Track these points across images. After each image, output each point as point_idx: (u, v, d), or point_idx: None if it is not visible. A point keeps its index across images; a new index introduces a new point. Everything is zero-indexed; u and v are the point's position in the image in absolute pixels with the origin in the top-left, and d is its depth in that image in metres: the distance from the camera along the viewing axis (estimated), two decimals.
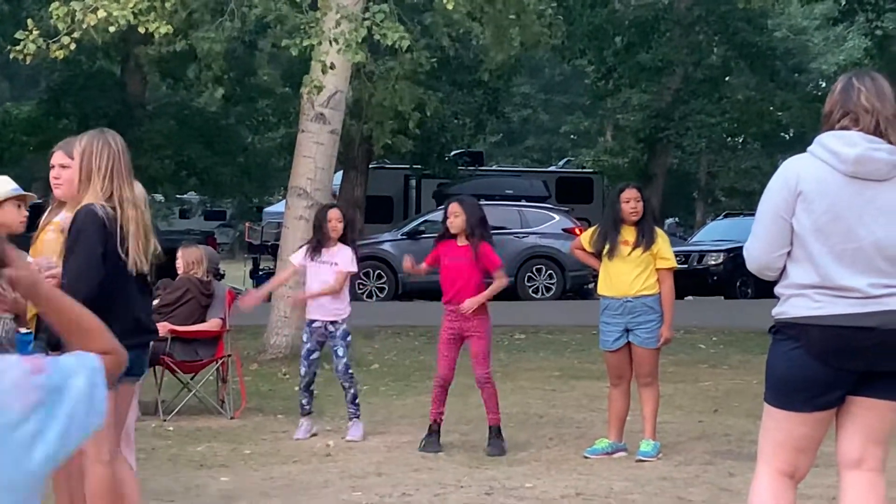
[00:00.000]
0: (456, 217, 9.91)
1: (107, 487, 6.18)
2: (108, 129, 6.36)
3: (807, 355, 5.09)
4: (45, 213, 6.95)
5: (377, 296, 26.92)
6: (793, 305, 5.14)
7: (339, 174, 27.52)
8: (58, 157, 6.70)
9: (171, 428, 11.07)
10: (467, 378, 10.55)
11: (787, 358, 5.16)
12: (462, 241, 9.93)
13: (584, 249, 9.95)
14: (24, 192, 7.12)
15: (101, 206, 6.02)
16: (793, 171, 5.17)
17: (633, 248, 9.55)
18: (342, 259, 10.51)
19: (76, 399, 2.51)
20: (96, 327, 2.78)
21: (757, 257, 5.23)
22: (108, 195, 6.07)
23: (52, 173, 6.71)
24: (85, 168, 6.11)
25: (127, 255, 6.06)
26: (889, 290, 5.04)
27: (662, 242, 9.62)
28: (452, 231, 9.94)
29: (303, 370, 10.70)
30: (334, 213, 10.68)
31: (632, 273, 9.54)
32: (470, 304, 9.78)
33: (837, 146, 5.08)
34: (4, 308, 6.23)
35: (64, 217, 6.68)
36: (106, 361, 2.63)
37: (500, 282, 10.01)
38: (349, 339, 10.70)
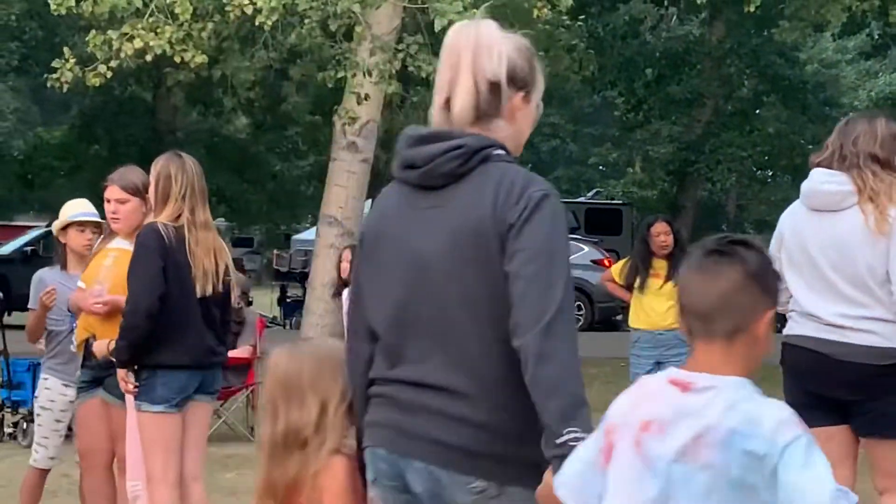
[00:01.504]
0: None
1: None
2: (183, 153, 6.37)
3: (786, 374, 5.46)
4: (99, 240, 6.95)
5: None
6: (786, 329, 5.50)
7: (369, 203, 27.54)
8: (114, 192, 6.66)
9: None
10: None
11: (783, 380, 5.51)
12: None
13: (614, 281, 9.94)
14: (88, 219, 7.17)
15: (163, 225, 6.04)
16: (784, 213, 5.63)
17: (665, 282, 9.54)
18: None
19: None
20: None
21: None
22: (177, 216, 6.08)
23: (109, 208, 6.68)
24: (162, 191, 6.12)
25: (193, 274, 6.06)
26: (855, 321, 5.18)
27: None
28: None
29: None
30: (346, 255, 10.78)
31: (664, 306, 9.52)
32: None
33: (805, 183, 5.48)
34: None
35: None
36: None
37: None
38: None
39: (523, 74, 3.47)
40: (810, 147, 37.15)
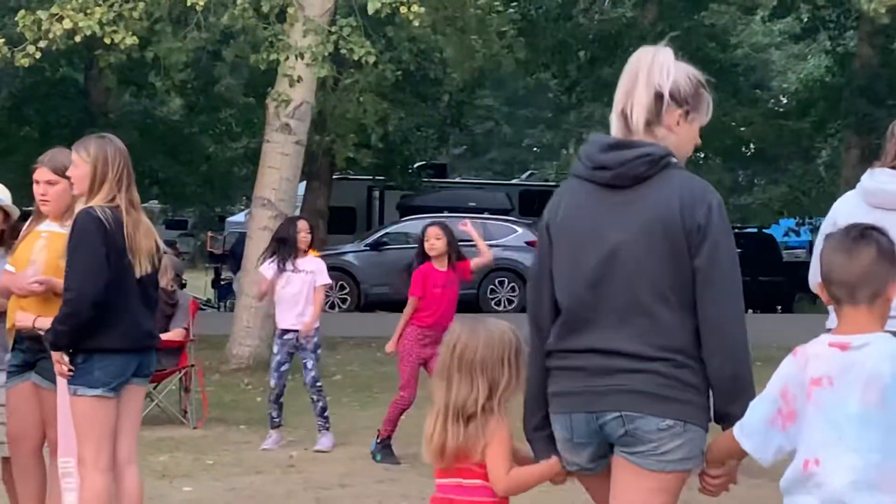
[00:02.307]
0: (438, 240, 10.01)
1: (99, 497, 6.13)
2: (109, 135, 6.35)
3: None
4: (27, 223, 6.89)
5: (339, 307, 26.89)
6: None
7: (303, 185, 27.52)
8: (44, 174, 6.63)
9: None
10: (422, 390, 10.56)
11: None
12: (442, 265, 10.01)
13: None
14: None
15: (101, 209, 6.02)
16: (840, 202, 6.01)
17: None
18: (319, 271, 10.66)
19: None
20: None
21: (810, 281, 5.83)
22: (112, 198, 6.07)
23: (38, 189, 6.63)
24: (100, 174, 6.10)
25: (132, 257, 6.05)
26: None
27: None
28: (433, 254, 10.02)
29: (273, 382, 10.75)
30: (303, 225, 10.78)
31: None
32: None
33: (866, 180, 5.91)
34: None
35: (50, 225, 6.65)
36: None
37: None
38: (319, 351, 10.77)
39: (685, 94, 4.19)
40: (741, 129, 37.56)
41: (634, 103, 4.09)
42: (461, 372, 4.37)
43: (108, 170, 6.09)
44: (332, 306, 26.44)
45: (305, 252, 10.68)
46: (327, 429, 10.65)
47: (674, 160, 4.07)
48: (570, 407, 4.10)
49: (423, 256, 10.14)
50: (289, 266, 10.59)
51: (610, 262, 4.02)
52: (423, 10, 14.80)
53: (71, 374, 6.07)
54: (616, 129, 4.15)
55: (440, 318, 9.87)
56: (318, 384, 10.69)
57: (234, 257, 18.72)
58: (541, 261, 4.23)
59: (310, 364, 10.61)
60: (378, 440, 10.10)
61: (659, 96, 4.10)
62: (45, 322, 6.24)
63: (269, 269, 10.76)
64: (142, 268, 6.10)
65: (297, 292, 10.58)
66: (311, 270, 10.67)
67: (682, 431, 3.97)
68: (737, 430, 3.85)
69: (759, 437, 3.78)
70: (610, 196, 4.07)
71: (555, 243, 4.17)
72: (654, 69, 4.13)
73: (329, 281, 10.97)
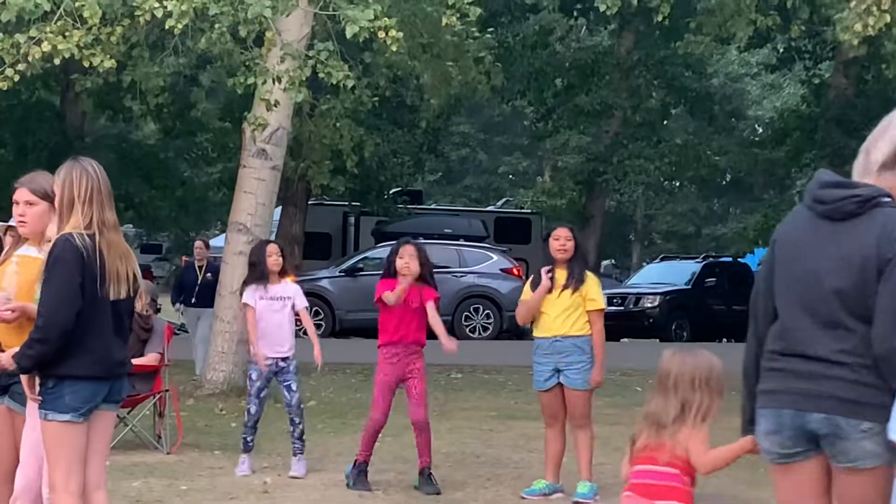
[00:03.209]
0: (412, 259, 9.87)
1: None
2: (85, 158, 6.31)
3: None
4: (7, 247, 6.88)
5: None
6: None
7: (278, 210, 27.50)
8: (23, 195, 6.64)
9: (107, 462, 10.98)
10: (401, 417, 10.54)
11: None
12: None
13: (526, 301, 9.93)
14: None
15: (80, 236, 6.01)
16: None
17: (563, 289, 9.60)
18: (297, 295, 10.66)
19: None
20: None
21: None
22: (88, 222, 6.05)
23: (17, 210, 6.64)
24: (67, 198, 6.09)
25: (105, 282, 6.03)
26: None
27: (592, 284, 9.66)
28: (403, 273, 9.86)
29: (253, 409, 10.68)
30: (273, 248, 10.75)
31: (561, 314, 9.59)
32: (452, 346, 9.86)
33: None
34: None
35: (27, 251, 6.64)
36: None
37: (433, 312, 9.99)
38: (299, 375, 10.75)
39: None
40: (717, 158, 37.72)
41: (876, 148, 4.84)
42: (659, 387, 5.47)
43: (73, 192, 6.07)
44: (306, 332, 26.38)
45: (279, 276, 10.65)
46: (302, 453, 10.62)
47: (885, 200, 4.74)
48: (779, 403, 4.80)
49: (391, 271, 9.98)
50: (266, 292, 10.58)
51: (816, 283, 4.75)
52: (401, 35, 14.83)
53: (40, 398, 6.06)
54: (857, 164, 4.91)
55: (405, 335, 9.84)
56: (302, 406, 10.70)
57: (178, 287, 18.19)
58: (765, 271, 5.04)
59: (294, 386, 10.60)
60: (354, 465, 10.06)
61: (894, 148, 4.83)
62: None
63: (249, 296, 10.71)
64: (116, 292, 6.08)
65: (276, 322, 10.59)
66: (288, 296, 10.66)
67: (879, 431, 4.57)
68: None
69: None
70: (825, 226, 4.82)
71: (777, 258, 4.97)
72: (891, 127, 4.84)
73: (307, 303, 10.96)
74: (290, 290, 10.71)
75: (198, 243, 18.66)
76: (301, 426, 10.63)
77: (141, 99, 17.06)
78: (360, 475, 9.97)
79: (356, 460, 10.04)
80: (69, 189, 6.08)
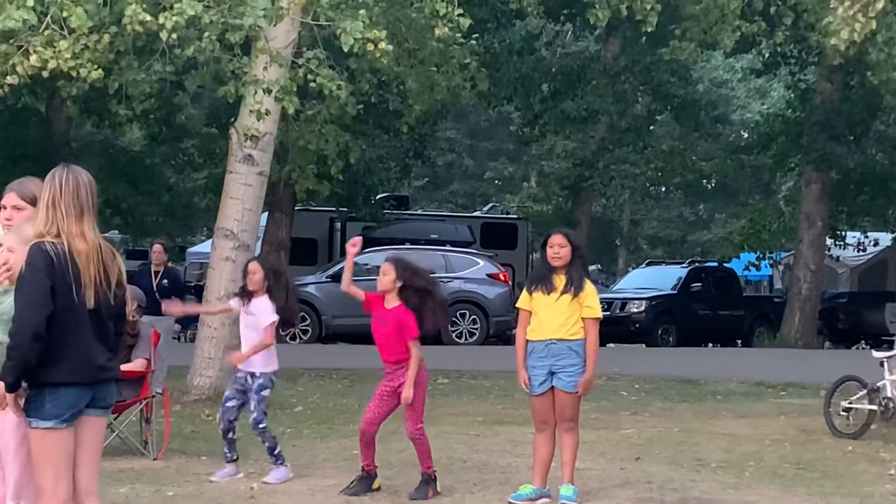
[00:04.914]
0: (384, 276, 9.89)
1: None
2: (69, 165, 6.31)
3: None
4: None
5: (301, 338, 26.89)
6: None
7: (265, 215, 27.51)
8: (11, 199, 6.71)
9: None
10: (390, 424, 10.55)
11: None
12: (391, 302, 9.90)
13: (524, 309, 9.94)
14: None
15: (51, 244, 6.03)
16: None
17: (561, 294, 9.62)
18: (260, 312, 10.57)
19: None
20: None
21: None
22: (56, 232, 6.07)
23: (4, 214, 6.71)
24: (40, 203, 6.15)
25: (81, 289, 6.04)
26: None
27: (590, 292, 9.69)
28: (379, 289, 9.89)
29: (218, 416, 10.75)
30: (251, 266, 10.78)
31: (558, 318, 9.60)
32: (407, 395, 9.79)
33: None
34: None
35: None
36: None
37: (414, 360, 9.83)
38: (263, 393, 10.60)
39: None
40: (703, 163, 37.82)
41: None
42: None
43: (41, 200, 6.13)
44: (292, 337, 26.42)
45: (257, 293, 10.66)
46: (279, 464, 10.62)
47: None
48: None
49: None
50: (245, 305, 10.67)
51: None
52: (390, 47, 14.86)
53: (21, 412, 6.09)
54: None
55: (385, 356, 9.87)
56: (261, 426, 10.55)
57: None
58: None
59: (252, 405, 10.55)
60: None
61: None
62: None
63: (235, 301, 10.84)
64: (92, 297, 6.08)
65: (248, 339, 10.66)
66: (255, 313, 10.64)
67: None
68: None
69: None
70: None
71: None
72: None
73: (272, 319, 10.63)
74: (256, 307, 10.63)
75: (156, 246, 17.70)
76: (266, 444, 10.60)
77: (127, 105, 17.01)
78: (361, 480, 9.99)
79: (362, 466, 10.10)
80: (42, 195, 6.15)
